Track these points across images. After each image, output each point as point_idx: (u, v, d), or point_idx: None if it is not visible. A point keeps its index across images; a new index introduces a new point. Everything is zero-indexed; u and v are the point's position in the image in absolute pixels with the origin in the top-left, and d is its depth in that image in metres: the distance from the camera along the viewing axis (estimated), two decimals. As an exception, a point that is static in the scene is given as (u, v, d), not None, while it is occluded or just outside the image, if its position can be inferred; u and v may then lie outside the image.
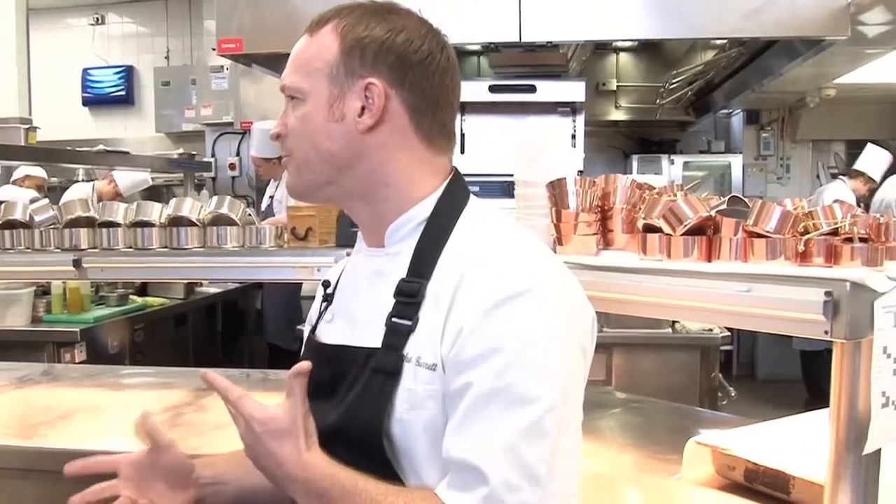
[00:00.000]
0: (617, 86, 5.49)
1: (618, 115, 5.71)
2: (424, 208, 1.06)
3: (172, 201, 2.36)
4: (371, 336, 1.03)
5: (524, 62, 3.68)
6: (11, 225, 2.42)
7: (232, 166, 6.30)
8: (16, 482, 1.86)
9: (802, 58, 3.09)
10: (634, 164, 6.41)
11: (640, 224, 1.46)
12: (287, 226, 2.25)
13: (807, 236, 1.26)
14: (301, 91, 1.06)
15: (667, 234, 1.38)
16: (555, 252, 1.48)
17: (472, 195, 1.10)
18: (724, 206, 1.39)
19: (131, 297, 4.16)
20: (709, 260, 1.34)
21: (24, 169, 5.14)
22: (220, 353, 4.95)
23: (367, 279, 1.10)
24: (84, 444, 1.88)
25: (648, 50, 5.25)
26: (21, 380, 2.53)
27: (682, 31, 2.77)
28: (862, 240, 1.24)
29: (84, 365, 3.40)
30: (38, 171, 5.23)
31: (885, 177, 5.58)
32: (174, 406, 2.19)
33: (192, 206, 2.31)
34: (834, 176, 6.32)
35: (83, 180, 5.97)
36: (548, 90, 3.68)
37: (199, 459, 1.22)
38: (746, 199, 1.40)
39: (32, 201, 2.93)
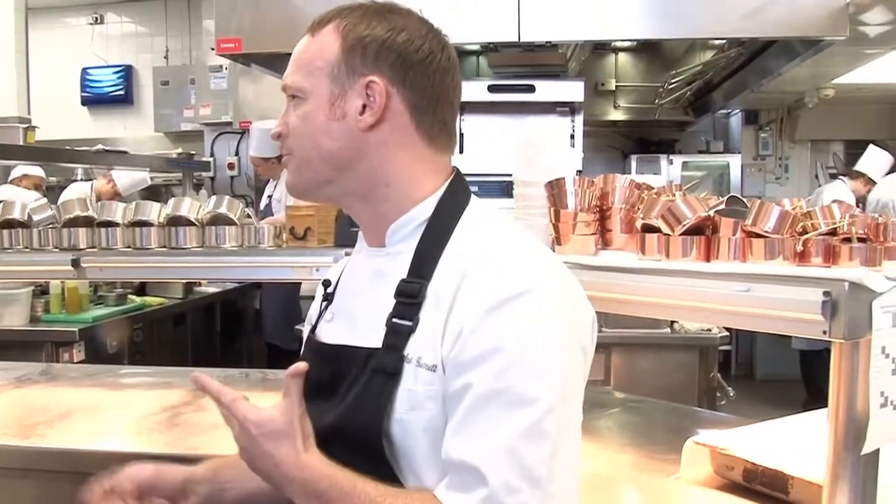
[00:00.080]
0: (616, 86, 5.48)
1: (616, 115, 5.70)
2: (426, 208, 1.06)
3: (171, 201, 2.35)
4: (371, 336, 1.03)
5: (523, 62, 3.68)
6: (10, 224, 2.41)
7: (231, 166, 6.28)
8: (14, 482, 1.86)
9: (801, 58, 3.09)
10: (633, 164, 6.41)
11: (638, 224, 1.46)
12: (286, 225, 2.24)
13: (805, 236, 1.26)
14: (302, 90, 1.06)
15: (665, 234, 1.38)
16: (553, 252, 1.48)
17: (472, 195, 1.10)
18: (722, 207, 1.39)
19: (130, 296, 4.16)
20: (707, 260, 1.34)
21: (22, 168, 5.12)
22: (219, 352, 4.95)
23: (368, 279, 1.10)
24: (82, 443, 1.89)
25: (647, 50, 5.25)
26: (19, 379, 2.52)
27: (682, 32, 2.77)
28: (860, 240, 1.24)
29: (82, 365, 3.40)
30: (37, 171, 5.22)
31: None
32: (173, 406, 2.19)
33: (190, 206, 2.31)
34: (833, 176, 6.31)
35: (82, 180, 5.95)
36: (547, 90, 3.67)
37: (196, 466, 1.22)
38: (745, 199, 1.40)
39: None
